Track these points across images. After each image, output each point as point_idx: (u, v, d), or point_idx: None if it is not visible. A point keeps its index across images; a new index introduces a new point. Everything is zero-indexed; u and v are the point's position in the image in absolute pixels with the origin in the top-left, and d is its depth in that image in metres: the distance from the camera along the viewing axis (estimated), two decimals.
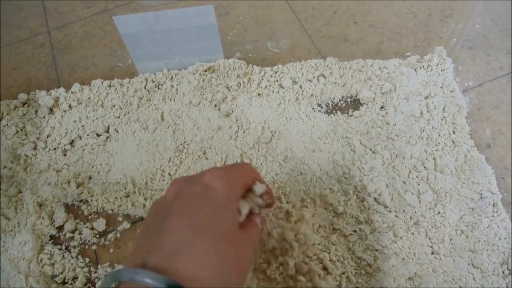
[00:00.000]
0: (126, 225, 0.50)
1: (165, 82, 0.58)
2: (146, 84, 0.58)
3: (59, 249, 0.49)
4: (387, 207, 0.49)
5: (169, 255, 0.27)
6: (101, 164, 0.54)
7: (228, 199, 0.32)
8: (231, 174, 0.34)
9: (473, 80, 0.58)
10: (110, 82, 0.59)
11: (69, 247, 0.49)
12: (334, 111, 0.56)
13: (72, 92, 0.59)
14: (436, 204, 0.49)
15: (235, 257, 0.30)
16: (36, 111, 0.58)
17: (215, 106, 0.56)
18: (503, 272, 0.45)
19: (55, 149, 0.55)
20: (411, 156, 0.51)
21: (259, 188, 0.37)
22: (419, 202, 0.48)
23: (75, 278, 0.47)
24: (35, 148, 0.55)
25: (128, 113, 0.57)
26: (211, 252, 0.28)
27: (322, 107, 0.56)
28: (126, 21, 0.53)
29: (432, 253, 0.46)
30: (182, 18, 0.52)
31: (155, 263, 0.27)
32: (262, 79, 0.58)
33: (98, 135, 0.56)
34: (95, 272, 0.48)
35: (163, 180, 0.51)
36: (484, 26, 0.63)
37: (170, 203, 0.31)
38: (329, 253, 0.46)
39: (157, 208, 0.33)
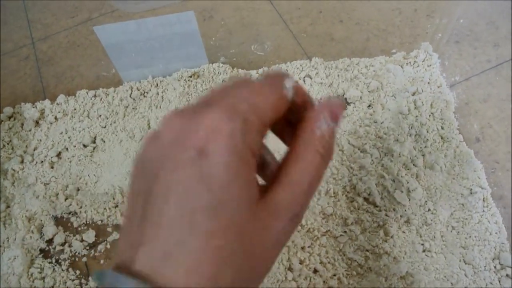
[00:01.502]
0: (116, 235, 0.50)
1: (150, 90, 0.58)
2: (131, 93, 0.58)
3: (49, 263, 0.49)
4: (377, 206, 0.48)
5: (156, 257, 0.22)
6: (88, 175, 0.53)
7: (234, 171, 0.21)
8: (236, 118, 0.21)
9: (460, 75, 0.57)
10: (96, 91, 0.59)
11: (59, 260, 0.49)
12: None
13: (57, 104, 0.58)
14: (426, 201, 0.48)
15: (247, 255, 0.22)
16: (22, 124, 0.58)
17: None
18: (495, 267, 0.45)
19: (42, 162, 0.55)
20: (400, 154, 0.51)
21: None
22: (409, 200, 0.48)
23: None
24: (22, 162, 0.55)
25: (115, 122, 0.56)
26: (208, 254, 0.21)
27: None
28: (108, 30, 0.52)
29: (424, 251, 0.46)
30: (164, 25, 0.52)
31: (141, 264, 0.22)
32: None
33: (85, 146, 0.55)
34: (86, 284, 0.47)
35: None
36: (470, 19, 0.63)
37: (156, 171, 0.22)
38: (319, 255, 0.45)
39: (143, 169, 0.23)
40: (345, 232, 0.47)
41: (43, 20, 0.72)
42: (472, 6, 0.64)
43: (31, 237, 0.50)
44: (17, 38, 0.70)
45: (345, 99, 0.56)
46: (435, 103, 0.55)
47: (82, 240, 0.50)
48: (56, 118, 0.58)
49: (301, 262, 0.44)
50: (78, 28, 0.69)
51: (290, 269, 0.44)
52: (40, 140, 0.56)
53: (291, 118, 0.26)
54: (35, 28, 0.71)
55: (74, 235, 0.50)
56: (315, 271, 0.44)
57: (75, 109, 0.58)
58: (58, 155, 0.55)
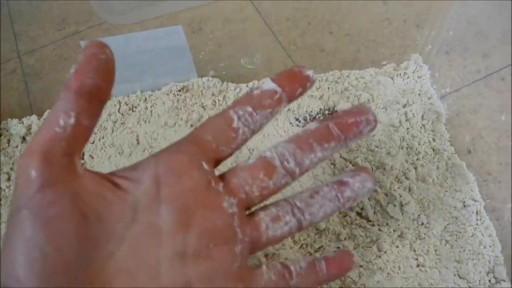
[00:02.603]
0: None
1: (139, 104, 0.57)
2: (119, 107, 0.57)
3: None
4: (370, 221, 0.48)
5: None
6: None
7: None
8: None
9: (450, 86, 0.57)
10: None
11: None
12: None
13: (44, 119, 0.57)
14: (419, 215, 0.48)
15: None
16: (9, 141, 0.57)
17: (191, 126, 0.55)
18: (489, 281, 0.45)
19: None
20: (392, 167, 0.51)
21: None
22: (402, 214, 0.48)
23: None
24: (9, 179, 0.54)
25: (103, 137, 0.55)
26: None
27: (300, 121, 0.55)
28: None
29: (418, 266, 0.46)
30: (152, 40, 0.52)
31: None
32: (238, 96, 0.57)
33: None
34: None
35: None
36: (460, 29, 0.63)
37: None
38: None
39: None
40: (338, 248, 0.46)
41: (30, 32, 0.71)
42: (461, 16, 0.64)
43: None
44: (3, 51, 0.69)
45: (336, 112, 0.56)
46: (426, 115, 0.54)
47: None
48: None
49: None
50: (65, 41, 0.68)
51: None
52: None
53: None
54: (21, 41, 0.70)
55: None
56: None
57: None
58: None
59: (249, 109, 0.24)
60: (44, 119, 0.58)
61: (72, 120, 0.20)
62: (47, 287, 0.19)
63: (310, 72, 0.25)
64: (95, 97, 0.21)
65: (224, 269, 0.23)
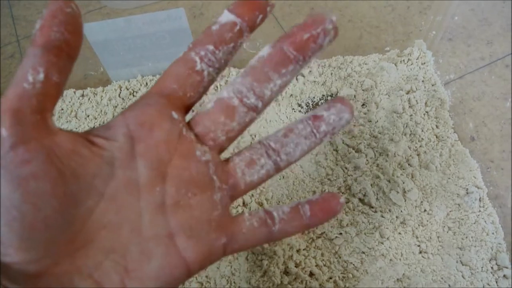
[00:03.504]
0: None
1: (139, 89, 0.56)
2: (120, 92, 0.56)
3: None
4: (372, 208, 0.48)
5: None
6: None
7: None
8: None
9: (454, 73, 0.57)
10: (83, 91, 0.57)
11: None
12: None
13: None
14: (422, 202, 0.48)
15: None
16: None
17: (193, 111, 0.54)
18: (492, 267, 0.45)
19: None
20: (395, 154, 0.50)
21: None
22: (405, 200, 0.47)
23: None
24: None
25: (103, 122, 0.55)
26: None
27: (302, 107, 0.55)
28: (95, 28, 0.51)
29: (420, 252, 0.46)
30: (154, 23, 0.51)
31: None
32: None
33: None
34: None
35: None
36: (463, 16, 0.62)
37: None
38: (315, 258, 0.45)
39: None
40: (341, 234, 0.46)
41: (28, 17, 0.70)
42: (465, 3, 0.63)
43: None
44: (1, 36, 0.68)
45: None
46: (429, 102, 0.54)
47: None
48: None
49: (296, 265, 0.43)
50: None
51: (286, 272, 0.43)
52: None
53: None
54: (20, 26, 0.69)
55: None
56: (311, 274, 0.43)
57: (62, 109, 0.56)
58: None
59: (211, 47, 0.23)
60: None
61: (41, 76, 0.20)
62: (28, 246, 0.19)
63: None
64: (63, 51, 0.20)
65: (205, 218, 0.23)
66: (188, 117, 0.25)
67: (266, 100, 0.24)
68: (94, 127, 0.55)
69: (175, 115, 0.23)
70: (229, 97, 0.24)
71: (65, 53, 0.20)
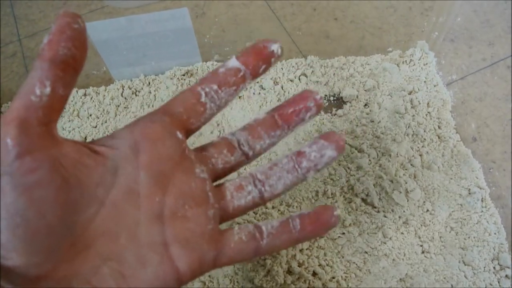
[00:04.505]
0: None
1: (142, 89, 0.56)
2: (122, 91, 0.56)
3: None
4: (375, 207, 0.48)
5: None
6: None
7: None
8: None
9: (456, 73, 0.57)
10: (86, 90, 0.57)
11: None
12: None
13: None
14: (424, 202, 0.48)
15: None
16: None
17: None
18: (494, 268, 0.45)
19: None
20: (397, 154, 0.50)
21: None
22: (407, 200, 0.48)
23: None
24: None
25: (106, 122, 0.55)
26: None
27: None
28: (98, 27, 0.51)
29: (423, 252, 0.46)
30: (157, 22, 0.51)
31: None
32: None
33: None
34: None
35: None
36: (465, 17, 0.62)
37: None
38: (318, 257, 0.45)
39: None
40: (343, 234, 0.46)
41: (30, 16, 0.70)
42: (467, 4, 0.63)
43: None
44: (3, 35, 0.68)
45: (341, 98, 0.56)
46: (431, 102, 0.54)
47: None
48: None
49: (299, 265, 0.43)
50: None
51: (289, 272, 0.43)
52: None
53: None
54: (21, 25, 0.69)
55: None
56: (314, 274, 0.43)
57: (64, 108, 0.56)
58: None
59: (215, 86, 0.25)
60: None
61: (48, 90, 0.20)
62: (30, 251, 0.19)
63: (275, 47, 0.26)
64: (69, 66, 0.21)
65: (199, 231, 0.24)
66: (189, 142, 0.27)
67: (256, 151, 0.28)
68: (96, 126, 0.55)
69: (179, 134, 0.25)
70: (232, 139, 0.27)
71: (72, 67, 0.21)
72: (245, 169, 0.48)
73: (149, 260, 0.23)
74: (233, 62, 0.25)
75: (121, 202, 0.22)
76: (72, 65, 0.21)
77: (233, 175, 0.29)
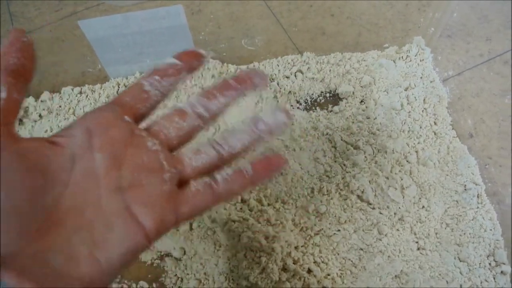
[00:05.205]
0: None
1: None
2: (118, 89, 0.56)
3: None
4: (370, 204, 0.48)
5: None
6: None
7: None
8: None
9: (453, 69, 0.57)
10: (81, 88, 0.57)
11: None
12: (314, 107, 0.55)
13: (41, 101, 0.57)
14: (420, 198, 0.48)
15: None
16: None
17: None
18: (489, 264, 0.45)
19: None
20: (393, 150, 0.50)
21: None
22: (403, 197, 0.47)
23: None
24: None
25: None
26: None
27: (301, 104, 0.55)
28: (94, 25, 0.51)
29: (418, 249, 0.46)
30: (152, 19, 0.51)
31: None
32: None
33: None
34: None
35: None
36: (462, 13, 0.62)
37: None
38: (313, 255, 0.45)
39: None
40: (339, 231, 0.46)
41: (26, 13, 0.70)
42: (464, 0, 0.63)
43: None
44: None
45: (337, 94, 0.56)
46: (428, 98, 0.54)
47: None
48: (40, 116, 0.56)
49: (295, 262, 0.43)
50: (62, 22, 0.67)
51: (284, 269, 0.43)
52: None
53: None
54: (17, 22, 0.69)
55: None
56: (309, 271, 0.43)
57: (60, 107, 0.56)
58: None
59: (157, 77, 0.29)
60: (41, 101, 0.57)
61: (3, 94, 0.24)
62: (3, 231, 0.22)
63: (204, 52, 0.31)
64: (20, 74, 0.25)
65: (156, 192, 0.27)
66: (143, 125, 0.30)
67: (211, 112, 0.30)
68: None
69: (127, 118, 0.28)
70: (184, 107, 0.30)
71: (22, 75, 0.25)
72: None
73: (116, 224, 0.25)
74: (170, 59, 0.30)
75: (82, 182, 0.25)
76: (22, 73, 0.25)
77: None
